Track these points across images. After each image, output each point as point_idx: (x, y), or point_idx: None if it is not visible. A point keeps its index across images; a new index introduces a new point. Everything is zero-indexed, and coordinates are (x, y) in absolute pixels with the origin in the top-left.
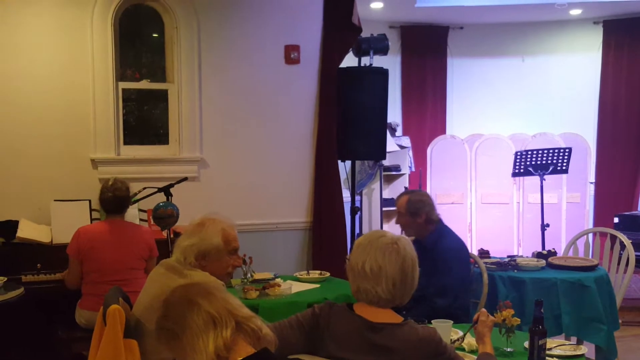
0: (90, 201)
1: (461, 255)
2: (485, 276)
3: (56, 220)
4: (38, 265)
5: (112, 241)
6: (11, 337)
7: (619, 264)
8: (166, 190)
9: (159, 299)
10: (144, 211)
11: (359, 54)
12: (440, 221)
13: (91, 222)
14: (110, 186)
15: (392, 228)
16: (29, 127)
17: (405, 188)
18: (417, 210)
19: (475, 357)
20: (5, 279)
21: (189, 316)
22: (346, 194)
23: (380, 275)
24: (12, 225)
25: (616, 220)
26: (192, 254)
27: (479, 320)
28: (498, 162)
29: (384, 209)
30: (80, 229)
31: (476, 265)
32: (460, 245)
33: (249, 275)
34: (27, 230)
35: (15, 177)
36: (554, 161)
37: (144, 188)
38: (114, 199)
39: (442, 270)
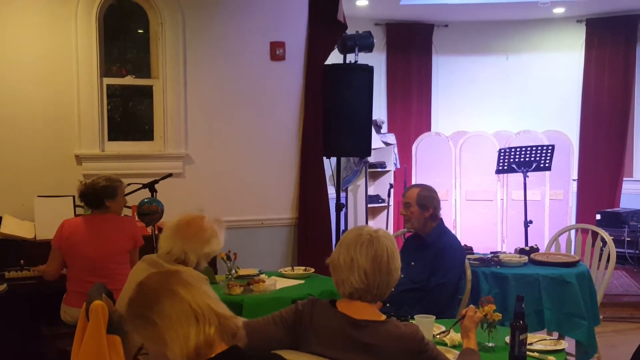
0: (74, 197)
1: (461, 254)
2: (469, 272)
3: (40, 216)
4: (21, 261)
5: (93, 236)
6: None
7: (600, 260)
8: (151, 187)
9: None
10: (129, 207)
11: (344, 51)
12: (441, 219)
13: None
14: (91, 181)
15: (377, 225)
16: (13, 123)
17: (391, 185)
18: (426, 204)
19: (458, 352)
20: None
21: (167, 304)
22: (331, 191)
23: (353, 266)
24: None
25: (598, 217)
26: (204, 261)
27: (467, 315)
28: (482, 159)
29: (369, 205)
30: (65, 221)
31: None
32: (459, 243)
33: (233, 271)
34: (11, 226)
35: None
36: (537, 158)
37: (129, 184)
38: (92, 193)
39: (444, 266)
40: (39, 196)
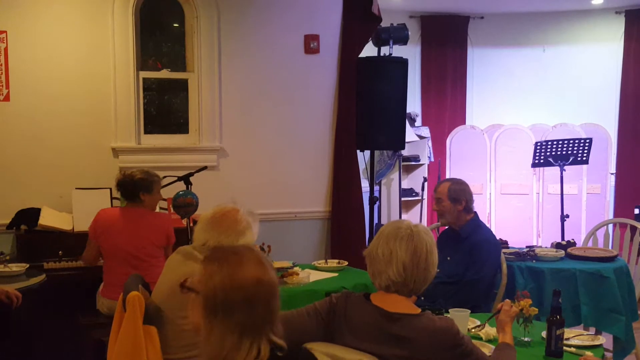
0: (111, 189)
1: (497, 248)
2: (504, 266)
3: (77, 208)
4: (59, 252)
5: (128, 228)
6: (33, 322)
7: (638, 255)
8: (186, 179)
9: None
10: (164, 199)
11: (378, 43)
12: (475, 213)
13: None
14: (130, 172)
15: (411, 218)
16: (51, 116)
17: (424, 178)
18: (458, 197)
19: (493, 347)
20: (27, 265)
21: (253, 312)
22: (365, 184)
23: (392, 259)
24: (34, 212)
25: (637, 211)
26: None
27: (502, 309)
28: (518, 152)
29: (402, 199)
30: (101, 210)
31: None
32: (494, 238)
33: None
34: (49, 218)
35: (37, 165)
36: (574, 152)
37: (164, 177)
38: (129, 183)
39: (480, 260)
40: (76, 188)
